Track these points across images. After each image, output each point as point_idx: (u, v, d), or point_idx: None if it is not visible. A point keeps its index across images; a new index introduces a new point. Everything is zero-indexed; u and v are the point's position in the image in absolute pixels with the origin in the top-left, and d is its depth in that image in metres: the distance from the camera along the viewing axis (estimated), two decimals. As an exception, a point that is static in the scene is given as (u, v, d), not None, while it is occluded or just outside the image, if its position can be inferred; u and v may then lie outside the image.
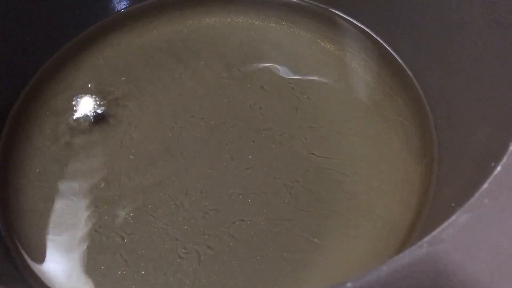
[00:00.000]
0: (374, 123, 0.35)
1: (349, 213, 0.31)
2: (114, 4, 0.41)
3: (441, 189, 0.30)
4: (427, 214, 0.30)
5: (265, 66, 0.38)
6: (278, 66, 0.38)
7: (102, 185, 0.33)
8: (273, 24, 0.41)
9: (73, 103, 0.36)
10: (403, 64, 0.37)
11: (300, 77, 0.38)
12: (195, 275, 0.29)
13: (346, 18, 0.40)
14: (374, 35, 0.39)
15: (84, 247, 0.30)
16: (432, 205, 0.30)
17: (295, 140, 0.34)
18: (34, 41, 0.37)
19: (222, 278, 0.29)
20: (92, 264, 0.30)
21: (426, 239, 0.17)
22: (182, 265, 0.30)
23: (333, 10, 0.40)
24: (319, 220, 0.31)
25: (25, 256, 0.30)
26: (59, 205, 0.32)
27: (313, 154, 0.34)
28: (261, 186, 0.32)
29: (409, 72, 0.36)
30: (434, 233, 0.17)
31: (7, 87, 0.35)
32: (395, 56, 0.37)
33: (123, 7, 0.41)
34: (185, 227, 0.31)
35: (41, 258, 0.30)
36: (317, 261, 0.30)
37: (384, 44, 0.38)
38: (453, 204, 0.23)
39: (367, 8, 0.39)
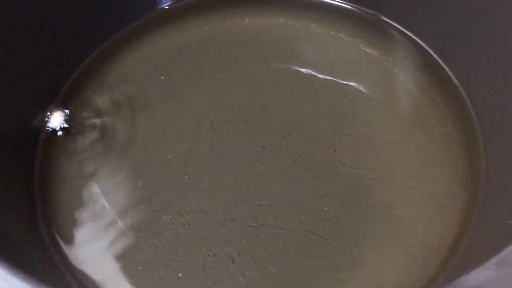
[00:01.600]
0: (416, 133, 0.34)
1: (384, 228, 0.30)
2: (155, 1, 0.41)
3: (489, 205, 0.29)
4: (472, 233, 0.29)
5: (303, 69, 0.38)
6: (317, 70, 0.38)
7: (140, 184, 0.33)
8: (313, 27, 0.40)
9: (111, 100, 0.36)
10: (449, 72, 0.36)
11: (339, 82, 0.37)
12: (230, 278, 0.29)
13: (390, 23, 0.39)
14: (419, 41, 0.38)
15: (121, 246, 0.30)
16: (478, 222, 0.29)
17: (328, 147, 0.34)
18: (78, 35, 0.37)
19: (259, 285, 0.29)
20: (130, 264, 0.30)
21: (493, 260, 0.16)
22: (219, 270, 0.29)
23: (377, 14, 0.39)
24: (355, 231, 0.31)
25: (66, 254, 0.30)
26: (97, 204, 0.32)
27: (347, 163, 0.33)
28: (294, 193, 0.32)
29: (455, 80, 0.35)
30: (501, 254, 0.16)
31: (49, 82, 0.35)
32: (441, 63, 0.36)
33: (163, 5, 0.41)
34: (222, 230, 0.31)
35: (79, 258, 0.30)
36: (353, 273, 0.30)
37: (429, 50, 0.37)
38: (509, 222, 0.22)
39: (413, 13, 0.38)
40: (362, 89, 0.37)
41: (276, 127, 0.34)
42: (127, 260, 0.30)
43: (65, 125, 0.34)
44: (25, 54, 0.32)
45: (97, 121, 0.35)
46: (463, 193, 0.31)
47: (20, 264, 0.18)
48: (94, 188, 0.33)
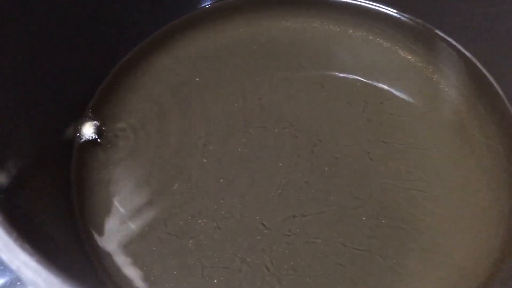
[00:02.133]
0: (457, 144, 0.33)
1: (423, 241, 0.30)
2: (191, 2, 0.40)
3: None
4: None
5: (340, 74, 0.37)
6: (353, 75, 0.37)
7: (175, 187, 0.32)
8: (350, 31, 0.39)
9: (143, 105, 0.36)
10: (493, 81, 0.35)
11: (376, 88, 0.36)
12: (266, 286, 0.29)
13: (430, 28, 0.38)
14: (461, 48, 0.37)
15: (156, 250, 0.30)
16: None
17: (364, 155, 0.33)
18: (113, 35, 0.37)
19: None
20: (164, 268, 0.29)
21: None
22: (254, 277, 0.29)
23: (416, 19, 0.38)
24: (391, 244, 0.30)
25: (102, 259, 0.30)
26: (131, 208, 0.32)
27: (384, 172, 0.32)
28: (329, 202, 0.31)
29: (499, 90, 0.34)
30: None
31: (84, 83, 0.35)
32: (485, 72, 0.35)
33: (198, 6, 0.41)
34: (258, 237, 0.30)
35: (115, 262, 0.30)
36: (390, 284, 0.29)
37: (472, 58, 0.36)
38: None
39: (454, 18, 0.37)
40: (401, 96, 0.36)
41: (311, 134, 0.34)
42: (161, 265, 0.30)
43: (96, 136, 0.34)
44: (54, 62, 0.32)
45: (129, 125, 0.35)
46: (508, 210, 0.30)
47: (55, 261, 0.18)
48: (128, 193, 0.32)
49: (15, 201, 0.25)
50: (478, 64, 0.36)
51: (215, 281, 0.29)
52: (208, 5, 0.41)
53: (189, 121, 0.35)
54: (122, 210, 0.31)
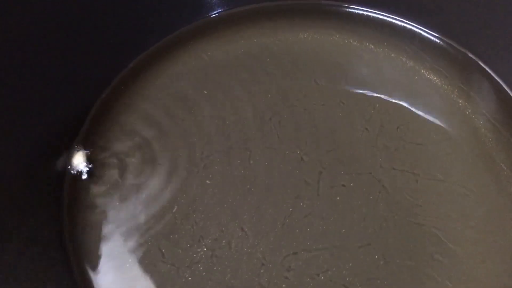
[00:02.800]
0: (481, 177, 0.31)
1: (444, 276, 0.27)
2: (205, 9, 0.38)
3: None
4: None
5: (357, 92, 0.35)
6: (372, 95, 0.34)
7: (175, 209, 0.30)
8: (371, 47, 0.37)
9: (141, 123, 0.34)
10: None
11: (395, 109, 0.34)
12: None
13: (460, 50, 0.35)
14: (492, 73, 0.34)
15: (153, 279, 0.28)
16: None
17: (376, 184, 0.30)
18: (121, 41, 0.35)
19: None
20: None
21: None
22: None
23: (445, 39, 0.36)
24: (410, 280, 0.27)
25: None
26: (127, 236, 0.30)
27: (396, 204, 0.30)
28: (336, 238, 0.29)
29: (532, 122, 0.31)
30: None
31: (73, 108, 0.33)
32: (517, 101, 0.32)
33: (214, 12, 0.38)
34: (260, 271, 0.28)
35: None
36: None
37: (503, 84, 0.33)
38: None
39: (486, 40, 0.34)
40: (422, 120, 0.33)
41: (321, 158, 0.31)
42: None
43: (88, 165, 0.31)
44: (42, 85, 0.30)
45: (126, 148, 0.33)
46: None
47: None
48: (124, 220, 0.30)
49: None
50: (510, 91, 0.33)
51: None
52: (224, 11, 0.39)
53: (191, 140, 0.33)
54: (118, 241, 0.29)
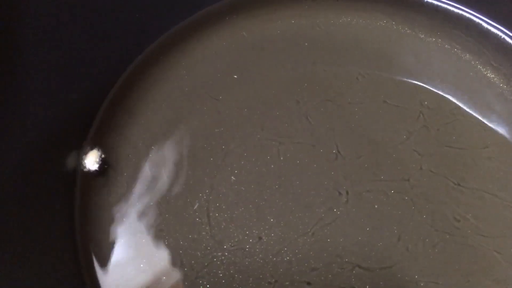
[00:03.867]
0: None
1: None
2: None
3: None
4: None
5: (403, 87, 0.31)
6: (420, 89, 0.31)
7: (196, 207, 0.28)
8: (422, 36, 0.33)
9: (176, 97, 0.31)
10: None
11: (446, 108, 0.30)
12: None
13: (523, 44, 0.31)
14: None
15: (169, 283, 0.26)
16: None
17: (426, 193, 0.27)
18: (137, 28, 0.31)
19: None
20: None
21: None
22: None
23: (507, 31, 0.32)
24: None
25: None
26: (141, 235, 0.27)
27: (431, 218, 0.27)
28: (365, 261, 0.26)
29: None
30: None
31: (84, 106, 0.30)
32: None
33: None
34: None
35: None
36: None
37: None
38: None
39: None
40: (473, 124, 0.30)
41: (360, 159, 0.28)
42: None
43: (101, 164, 0.29)
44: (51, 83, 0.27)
45: (139, 145, 0.30)
46: None
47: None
48: (139, 220, 0.28)
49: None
50: None
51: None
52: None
53: (215, 130, 0.30)
54: (132, 241, 0.27)
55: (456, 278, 0.25)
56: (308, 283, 0.25)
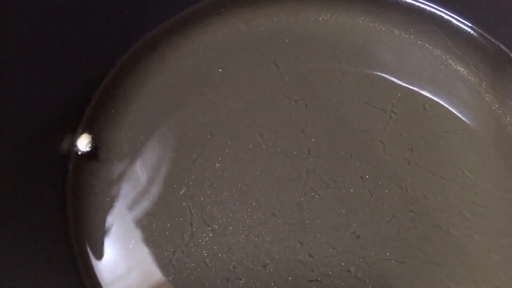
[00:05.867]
0: (507, 172, 0.29)
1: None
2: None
3: None
4: None
5: (380, 80, 0.33)
6: (395, 82, 0.33)
7: (182, 191, 0.29)
8: (397, 32, 0.35)
9: (164, 89, 0.33)
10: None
11: (420, 100, 0.32)
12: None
13: (490, 40, 0.33)
14: (524, 67, 0.32)
15: (156, 276, 0.27)
16: None
17: (402, 179, 0.29)
18: (130, 16, 0.33)
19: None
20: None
21: None
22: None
23: (476, 27, 0.34)
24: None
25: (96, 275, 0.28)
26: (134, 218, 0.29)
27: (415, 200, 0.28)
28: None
29: None
30: None
31: (77, 91, 0.32)
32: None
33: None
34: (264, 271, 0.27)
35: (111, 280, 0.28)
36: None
37: (535, 80, 0.31)
38: None
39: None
40: (445, 113, 0.31)
41: (339, 148, 0.30)
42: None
43: (94, 147, 0.30)
44: (46, 67, 0.29)
45: (130, 131, 0.32)
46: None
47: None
48: (130, 204, 0.29)
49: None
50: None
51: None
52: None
53: (201, 120, 0.31)
54: (122, 224, 0.29)
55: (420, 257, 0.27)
56: (295, 261, 0.27)
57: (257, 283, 0.27)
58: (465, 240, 0.27)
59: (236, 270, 0.27)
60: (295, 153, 0.30)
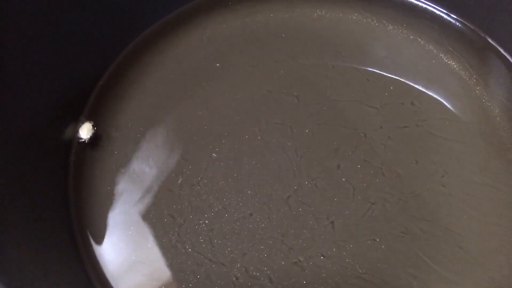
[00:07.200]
0: (495, 163, 0.30)
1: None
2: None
3: None
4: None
5: (373, 73, 0.34)
6: (387, 75, 0.34)
7: (180, 181, 0.30)
8: (390, 27, 0.36)
9: (163, 83, 0.34)
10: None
11: (411, 93, 0.33)
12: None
13: (480, 35, 0.34)
14: (512, 61, 0.33)
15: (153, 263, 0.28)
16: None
17: (392, 169, 0.30)
18: (131, 11, 0.34)
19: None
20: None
21: None
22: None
23: (466, 23, 0.35)
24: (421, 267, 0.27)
25: (97, 264, 0.29)
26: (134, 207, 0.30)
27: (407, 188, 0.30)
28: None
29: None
30: None
31: (81, 81, 0.33)
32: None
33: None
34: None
35: (112, 268, 0.29)
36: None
37: (523, 73, 0.32)
38: None
39: (506, 25, 0.33)
40: (436, 106, 0.32)
41: (333, 139, 0.31)
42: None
43: (95, 136, 0.31)
44: (49, 58, 0.30)
45: (131, 122, 0.33)
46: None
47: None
48: (130, 192, 0.31)
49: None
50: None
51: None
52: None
53: (199, 112, 0.32)
54: (122, 211, 0.30)
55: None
56: (289, 248, 0.28)
57: (251, 267, 0.28)
58: (446, 219, 0.28)
59: (232, 255, 0.28)
60: (289, 144, 0.31)
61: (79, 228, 0.29)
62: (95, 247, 0.29)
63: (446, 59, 0.34)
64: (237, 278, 0.27)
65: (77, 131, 0.31)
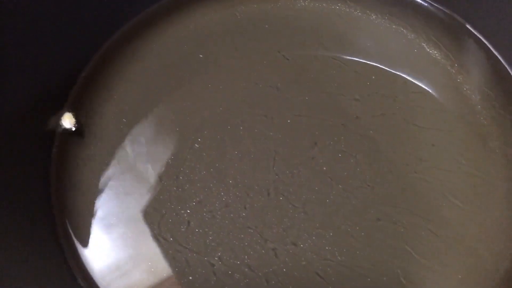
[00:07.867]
0: (475, 149, 0.30)
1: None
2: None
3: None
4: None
5: (355, 63, 0.34)
6: (371, 66, 0.34)
7: (162, 171, 0.31)
8: (373, 17, 0.36)
9: (130, 88, 0.34)
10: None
11: (393, 81, 0.33)
12: None
13: (461, 22, 0.34)
14: (492, 48, 0.33)
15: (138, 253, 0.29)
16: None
17: (372, 156, 0.30)
18: (114, 3, 0.34)
19: None
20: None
21: None
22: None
23: (447, 11, 0.35)
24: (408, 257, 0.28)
25: (79, 257, 0.29)
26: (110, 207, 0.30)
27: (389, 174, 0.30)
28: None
29: (529, 101, 0.31)
30: None
31: (64, 70, 0.33)
32: (514, 76, 0.31)
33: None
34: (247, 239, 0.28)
35: (93, 260, 0.29)
36: None
37: (502, 60, 0.32)
38: None
39: (488, 14, 0.33)
40: (418, 94, 0.33)
41: (314, 127, 0.31)
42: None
43: (77, 126, 0.32)
44: (32, 48, 0.30)
45: (114, 112, 0.33)
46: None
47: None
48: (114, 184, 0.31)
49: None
50: (509, 68, 0.32)
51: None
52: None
53: (183, 104, 0.33)
54: (104, 202, 0.30)
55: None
56: (270, 234, 0.28)
57: (232, 255, 0.28)
58: (425, 207, 0.29)
59: (212, 244, 0.28)
60: (270, 134, 0.31)
61: (60, 220, 0.29)
62: (76, 236, 0.29)
63: (428, 49, 0.34)
64: (217, 267, 0.28)
65: (59, 122, 0.31)
